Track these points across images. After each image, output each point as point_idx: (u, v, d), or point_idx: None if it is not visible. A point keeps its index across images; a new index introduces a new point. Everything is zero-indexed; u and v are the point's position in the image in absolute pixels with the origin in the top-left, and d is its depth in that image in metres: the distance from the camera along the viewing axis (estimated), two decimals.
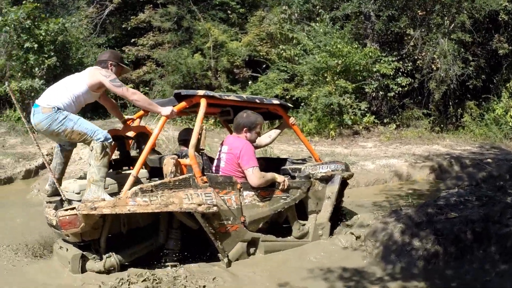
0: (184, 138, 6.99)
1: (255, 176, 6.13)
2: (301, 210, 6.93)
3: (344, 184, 7.63)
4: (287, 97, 19.24)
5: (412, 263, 5.98)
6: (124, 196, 5.38)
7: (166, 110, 5.78)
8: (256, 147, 7.02)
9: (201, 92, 6.04)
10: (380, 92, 19.27)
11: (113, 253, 5.66)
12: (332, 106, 17.74)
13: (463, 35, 18.25)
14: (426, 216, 6.50)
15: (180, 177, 5.73)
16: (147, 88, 21.15)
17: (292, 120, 7.30)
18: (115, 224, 5.76)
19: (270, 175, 6.36)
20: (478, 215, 6.16)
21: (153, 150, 6.64)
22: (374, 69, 18.47)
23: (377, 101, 20.05)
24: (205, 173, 5.99)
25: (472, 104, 19.61)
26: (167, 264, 5.84)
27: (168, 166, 5.76)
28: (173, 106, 5.96)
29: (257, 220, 6.29)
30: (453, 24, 18.58)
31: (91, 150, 5.51)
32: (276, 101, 7.02)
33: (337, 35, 18.58)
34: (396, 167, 13.10)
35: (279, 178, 6.46)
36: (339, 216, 7.68)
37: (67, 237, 5.60)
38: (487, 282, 5.32)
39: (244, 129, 6.44)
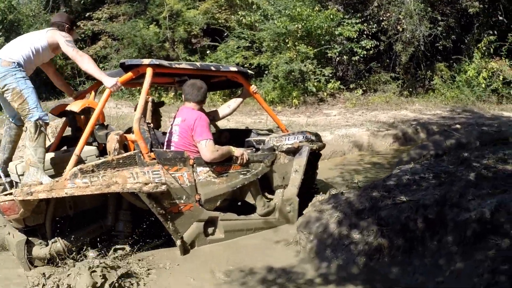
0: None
1: (208, 149, 5.68)
2: (267, 186, 6.60)
3: (316, 156, 7.28)
4: (246, 65, 18.28)
5: (350, 260, 5.03)
6: (62, 178, 5.03)
7: (110, 81, 5.45)
8: (214, 119, 6.84)
9: (146, 61, 5.61)
10: (345, 57, 18.39)
11: (59, 237, 5.32)
12: (293, 73, 16.91)
13: None
14: (369, 201, 5.48)
15: (125, 154, 5.32)
16: (106, 64, 20.11)
17: (253, 88, 6.76)
18: (61, 207, 5.41)
19: (225, 148, 5.91)
20: (432, 198, 5.16)
21: (102, 125, 6.40)
22: (337, 33, 17.62)
23: (342, 66, 19.21)
24: (153, 149, 5.56)
25: (443, 66, 18.86)
26: (115, 248, 5.51)
27: (111, 142, 5.37)
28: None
29: (214, 197, 5.86)
30: None
31: (25, 131, 5.31)
32: (234, 68, 6.54)
33: None
34: (356, 136, 12.20)
35: (237, 151, 6.01)
36: (311, 191, 7.12)
37: (11, 223, 5.34)
38: (440, 284, 4.37)
39: (193, 97, 6.04)
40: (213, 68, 6.29)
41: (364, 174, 9.06)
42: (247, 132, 7.42)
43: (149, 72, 5.57)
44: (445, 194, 5.20)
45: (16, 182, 5.55)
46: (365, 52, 17.94)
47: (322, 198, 6.25)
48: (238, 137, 7.11)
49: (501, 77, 17.77)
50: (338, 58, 18.55)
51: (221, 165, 5.90)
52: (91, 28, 21.37)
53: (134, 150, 5.53)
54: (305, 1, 17.68)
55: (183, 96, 6.14)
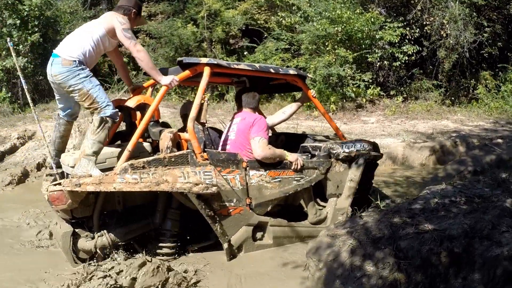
0: (186, 113, 6.31)
1: (260, 145, 5.64)
2: (321, 193, 6.47)
3: (372, 165, 7.07)
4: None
5: None
6: (112, 173, 4.99)
7: (166, 79, 5.43)
8: (271, 126, 6.81)
9: (204, 60, 5.56)
10: (385, 62, 17.80)
11: (105, 231, 5.33)
12: (332, 78, 16.46)
13: None
14: (389, 228, 4.94)
15: (177, 153, 5.26)
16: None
17: (312, 92, 6.68)
18: (110, 202, 5.41)
19: (279, 151, 5.82)
20: (460, 228, 4.64)
21: (156, 122, 6.38)
22: (378, 36, 17.08)
23: (383, 71, 18.59)
24: (206, 149, 5.55)
25: (488, 75, 18.11)
26: (161, 247, 5.56)
27: (164, 140, 5.33)
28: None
29: (265, 202, 5.77)
30: None
31: (91, 123, 5.27)
32: (293, 71, 6.33)
33: (341, 0, 17.24)
34: (391, 148, 11.65)
35: (291, 156, 5.91)
36: (366, 201, 6.67)
37: (58, 213, 5.36)
38: None
39: (253, 107, 6.21)
40: (272, 70, 6.15)
41: (394, 189, 8.62)
42: (303, 137, 7.31)
43: (206, 71, 5.50)
44: (475, 223, 4.68)
45: (68, 174, 5.47)
46: (406, 58, 17.39)
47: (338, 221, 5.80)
48: (294, 141, 6.99)
49: None
50: (379, 63, 17.99)
51: (275, 170, 5.80)
52: None
53: (187, 149, 5.49)
54: (346, 4, 17.21)
55: (237, 103, 6.36)
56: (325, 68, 16.38)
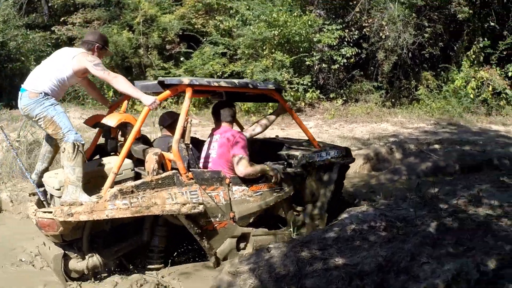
0: (166, 123, 6.65)
1: (242, 164, 5.74)
2: (298, 197, 6.60)
3: (344, 169, 7.23)
4: (219, 73, 17.71)
5: None
6: (102, 200, 5.04)
7: (149, 100, 5.44)
8: (249, 139, 6.61)
9: (186, 81, 5.63)
10: (324, 65, 17.49)
11: (95, 252, 5.41)
12: None
13: None
14: (295, 264, 4.45)
15: (163, 174, 5.35)
16: None
17: (289, 104, 6.96)
18: (98, 223, 5.36)
19: (260, 167, 5.93)
20: (374, 262, 4.18)
21: (137, 139, 6.23)
22: (315, 39, 16.81)
23: (323, 74, 18.25)
24: (190, 168, 5.64)
25: (429, 75, 17.95)
26: (150, 263, 5.76)
27: (150, 163, 5.39)
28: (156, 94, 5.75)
29: (247, 215, 5.93)
30: None
31: (63, 152, 5.29)
32: (271, 86, 6.43)
33: (279, 3, 17.01)
34: None
35: (271, 171, 6.00)
36: (339, 202, 7.24)
37: (48, 237, 5.39)
38: None
39: (230, 120, 6.28)
40: (250, 86, 6.24)
41: None
42: (277, 144, 7.39)
43: (188, 92, 5.61)
44: (392, 255, 4.24)
45: (52, 195, 5.59)
46: (345, 60, 17.14)
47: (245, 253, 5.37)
48: (269, 148, 7.17)
49: (490, 87, 16.82)
50: (318, 66, 17.69)
51: (256, 184, 5.94)
52: (65, 33, 20.81)
53: (171, 168, 5.59)
54: (284, 6, 16.93)
55: (215, 117, 6.37)
56: (262, 72, 16.07)
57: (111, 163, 5.66)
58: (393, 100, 17.80)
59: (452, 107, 16.48)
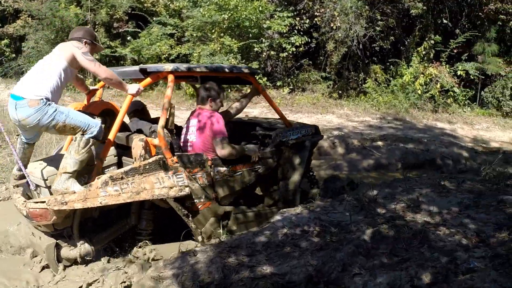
0: (133, 109, 7.01)
1: (223, 146, 5.98)
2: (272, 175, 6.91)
3: (313, 146, 7.61)
4: (166, 55, 17.51)
5: None
6: (94, 187, 5.16)
7: (133, 89, 5.60)
8: (227, 118, 6.97)
9: (168, 68, 5.82)
10: (272, 52, 17.22)
11: (86, 239, 5.52)
12: None
13: None
14: (221, 271, 4.15)
15: (150, 160, 5.50)
16: (23, 44, 19.07)
17: (262, 86, 7.27)
18: (87, 210, 5.49)
19: (239, 147, 6.29)
20: (304, 272, 3.90)
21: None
22: (265, 26, 16.59)
23: (271, 61, 18.04)
24: (175, 153, 5.80)
25: (378, 68, 17.91)
26: (138, 244, 5.84)
27: (137, 149, 5.52)
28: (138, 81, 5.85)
29: (229, 194, 6.23)
30: None
31: (74, 141, 5.24)
32: (246, 70, 6.78)
33: None
34: None
35: (250, 151, 6.40)
36: (310, 179, 7.93)
37: (39, 227, 5.51)
38: None
39: (209, 99, 6.36)
40: (226, 70, 6.59)
41: None
42: (250, 124, 7.70)
43: (170, 78, 5.80)
44: (323, 264, 3.98)
45: (37, 185, 5.50)
46: (294, 49, 16.97)
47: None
48: (242, 128, 7.40)
49: (438, 85, 16.86)
50: (267, 53, 17.40)
51: (237, 165, 6.20)
52: (12, 5, 20.04)
53: (155, 154, 5.71)
54: None
55: (197, 99, 6.53)
56: (208, 56, 15.79)
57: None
58: (340, 91, 17.71)
59: (399, 102, 16.51)
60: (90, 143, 5.27)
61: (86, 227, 5.64)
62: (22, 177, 5.83)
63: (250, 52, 16.83)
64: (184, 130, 6.57)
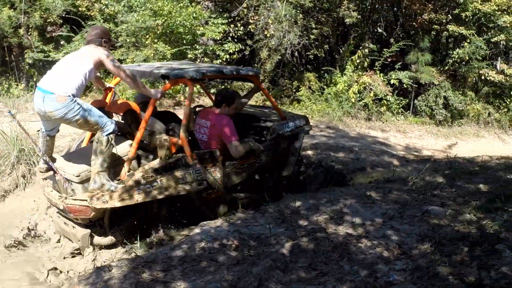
0: (142, 101, 7.32)
1: (237, 149, 6.68)
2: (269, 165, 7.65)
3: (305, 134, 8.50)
4: None
5: None
6: (128, 186, 5.74)
7: (155, 93, 6.21)
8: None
9: (188, 74, 6.31)
10: (206, 59, 17.17)
11: (116, 227, 6.20)
12: None
13: None
14: (134, 287, 4.12)
15: (173, 158, 6.15)
16: None
17: (263, 85, 8.28)
18: None
19: (247, 145, 6.87)
20: (219, 287, 3.88)
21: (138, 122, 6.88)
22: (199, 32, 16.53)
23: None
24: (194, 151, 6.40)
25: (312, 76, 17.96)
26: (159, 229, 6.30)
27: (163, 149, 6.03)
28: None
29: (236, 184, 7.02)
30: None
31: (97, 142, 5.73)
32: (251, 72, 7.56)
33: None
34: None
35: (255, 147, 7.01)
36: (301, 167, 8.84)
37: (75, 220, 6.11)
38: None
39: (223, 104, 6.86)
40: (235, 73, 7.19)
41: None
42: (247, 116, 8.22)
43: (190, 84, 6.35)
44: (239, 279, 3.98)
45: (67, 179, 6.07)
46: (228, 56, 16.96)
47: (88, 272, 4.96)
48: (239, 120, 7.67)
49: (372, 93, 17.03)
50: (201, 60, 17.28)
51: (243, 159, 6.92)
52: None
53: (175, 151, 6.25)
54: None
55: (214, 101, 7.27)
56: (142, 63, 15.41)
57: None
58: (274, 99, 17.47)
59: (332, 110, 16.62)
60: (111, 140, 5.76)
61: (113, 217, 6.16)
62: (48, 169, 6.36)
63: (184, 58, 16.60)
64: (195, 128, 7.12)
